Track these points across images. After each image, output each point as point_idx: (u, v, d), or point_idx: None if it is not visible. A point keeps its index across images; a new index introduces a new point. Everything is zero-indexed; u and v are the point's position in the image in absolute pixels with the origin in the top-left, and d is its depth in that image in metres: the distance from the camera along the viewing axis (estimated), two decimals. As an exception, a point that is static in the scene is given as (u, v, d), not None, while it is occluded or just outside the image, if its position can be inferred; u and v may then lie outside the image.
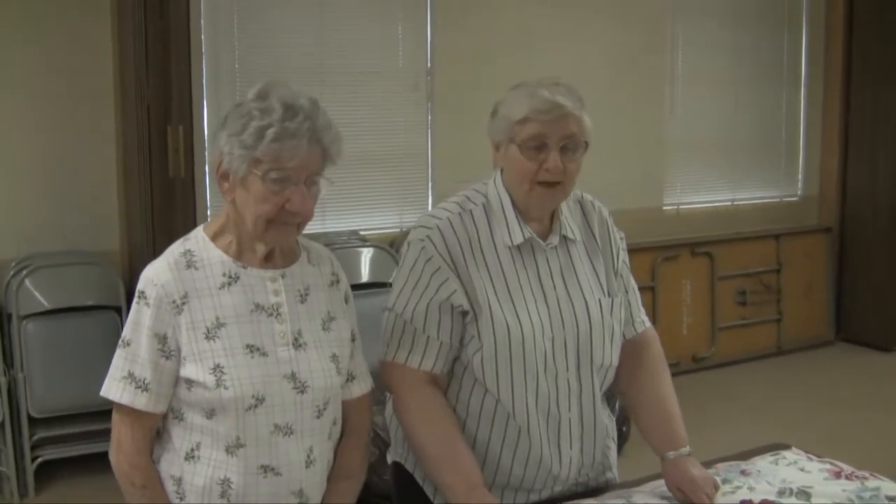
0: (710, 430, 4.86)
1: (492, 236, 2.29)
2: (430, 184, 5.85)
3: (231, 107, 2.07)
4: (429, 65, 5.73)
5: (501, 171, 2.34)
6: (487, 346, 2.22)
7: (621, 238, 2.48)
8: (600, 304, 2.34)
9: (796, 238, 7.26)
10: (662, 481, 2.45)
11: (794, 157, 7.54)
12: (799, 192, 7.60)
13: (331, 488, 2.21)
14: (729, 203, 7.16)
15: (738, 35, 7.02)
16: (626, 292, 2.45)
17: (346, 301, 2.25)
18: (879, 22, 7.09)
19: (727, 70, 6.98)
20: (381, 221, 5.73)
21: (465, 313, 2.25)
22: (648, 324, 2.54)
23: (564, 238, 2.35)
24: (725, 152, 7.05)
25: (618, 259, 2.44)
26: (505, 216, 2.30)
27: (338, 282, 2.24)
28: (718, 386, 6.33)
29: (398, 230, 5.69)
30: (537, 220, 2.32)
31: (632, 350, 2.45)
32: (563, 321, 2.28)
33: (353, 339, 2.24)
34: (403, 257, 2.32)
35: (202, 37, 4.95)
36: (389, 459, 2.51)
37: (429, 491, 2.38)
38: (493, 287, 2.25)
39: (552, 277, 2.31)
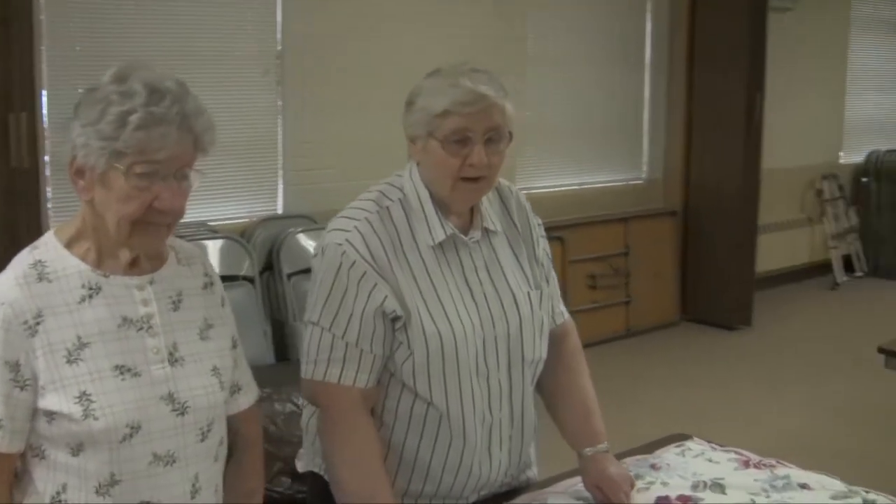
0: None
1: (413, 235, 2.16)
2: (280, 172, 5.66)
3: (83, 92, 1.80)
4: (279, 48, 5.53)
5: (417, 163, 2.19)
6: (419, 353, 2.10)
7: (539, 225, 2.38)
8: (529, 297, 2.25)
9: (643, 221, 7.35)
10: (577, 479, 2.39)
11: (639, 142, 7.64)
12: (644, 176, 7.71)
13: None
14: (577, 187, 7.19)
15: (587, 19, 7.06)
16: (548, 282, 2.35)
17: (223, 304, 2.04)
18: (723, 8, 7.21)
19: (576, 54, 7.01)
20: (230, 211, 5.51)
21: (396, 319, 2.12)
22: (567, 315, 2.46)
23: (486, 231, 2.24)
24: (573, 136, 7.07)
25: (538, 246, 2.35)
26: (424, 212, 2.16)
27: (212, 284, 2.02)
28: (650, 353, 6.34)
29: (248, 220, 5.48)
30: (457, 213, 2.20)
31: (551, 342, 2.36)
32: (492, 319, 2.18)
33: (234, 347, 2.04)
34: (320, 265, 2.14)
35: (42, 17, 4.62)
36: (301, 468, 2.36)
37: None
38: (420, 290, 2.12)
39: (477, 273, 2.20)
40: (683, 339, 7.17)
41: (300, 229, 5.46)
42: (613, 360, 6.61)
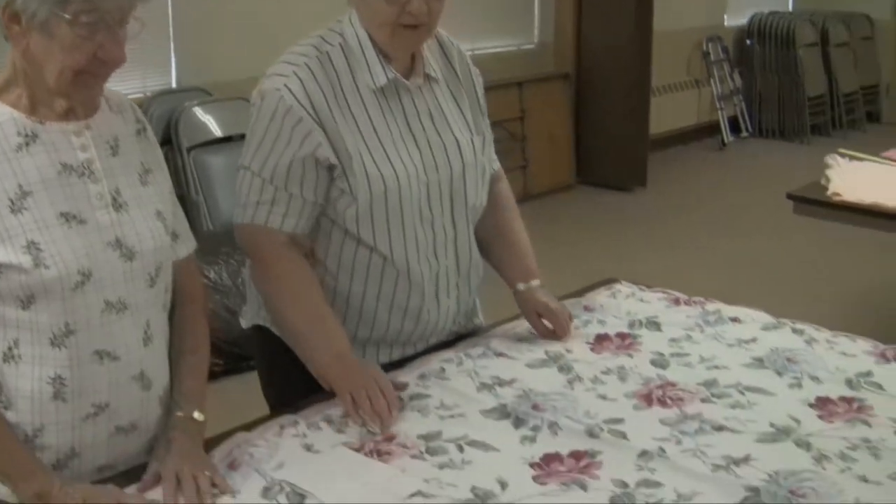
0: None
1: (354, 79, 2.12)
2: (171, 44, 5.51)
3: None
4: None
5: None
6: (362, 199, 2.08)
7: (478, 75, 2.36)
8: (472, 143, 2.23)
9: (537, 86, 7.36)
10: (521, 322, 2.41)
11: (530, 5, 7.59)
12: (536, 41, 7.68)
13: (178, 368, 1.98)
14: (470, 53, 7.10)
15: None
16: (488, 129, 2.35)
17: (157, 150, 2.00)
18: None
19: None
20: (123, 87, 5.32)
21: (331, 167, 2.08)
22: (498, 165, 2.46)
23: (428, 77, 2.21)
24: (463, 2, 6.97)
25: (480, 95, 2.33)
26: (365, 56, 2.12)
27: (145, 129, 1.97)
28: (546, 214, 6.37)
29: (142, 95, 5.34)
30: (398, 60, 2.16)
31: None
32: (436, 164, 2.16)
33: (171, 193, 2.00)
34: (257, 110, 2.10)
35: None
36: (246, 324, 2.35)
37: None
38: (362, 136, 2.09)
39: (420, 119, 2.17)
40: (581, 202, 7.26)
41: (196, 102, 5.36)
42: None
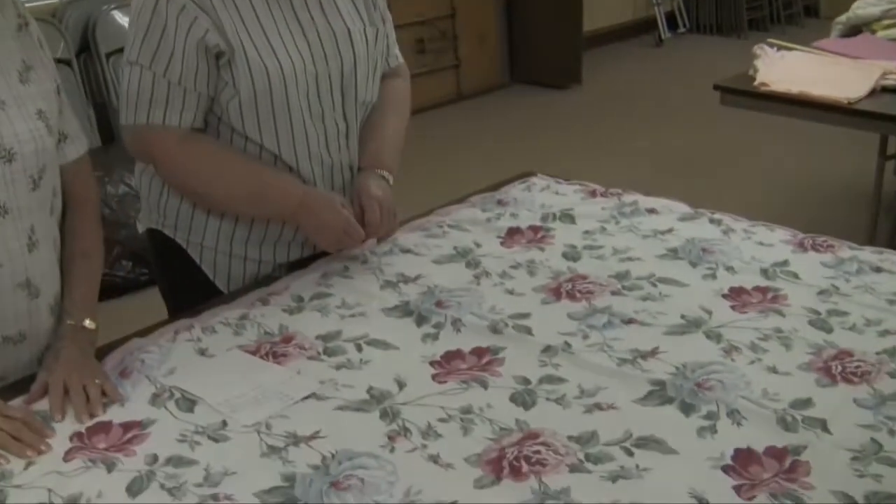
0: (403, 181, 4.81)
1: None
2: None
3: None
4: None
5: None
6: (245, 91, 1.96)
7: None
8: (364, 34, 2.10)
9: (467, -19, 7.17)
10: (428, 219, 2.33)
11: None
12: (467, -65, 7.47)
13: (69, 274, 1.89)
14: (398, -51, 6.93)
15: None
16: (384, 23, 2.22)
17: (42, 47, 1.87)
18: None
19: None
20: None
21: (219, 55, 1.95)
22: (402, 60, 2.34)
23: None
24: None
25: None
26: None
27: (27, 24, 1.84)
28: (426, 132, 6.26)
29: (57, 0, 5.13)
30: None
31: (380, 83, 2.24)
32: (325, 55, 2.04)
33: (58, 93, 1.88)
34: (139, 4, 1.96)
35: None
36: (142, 228, 2.24)
37: (194, 254, 2.14)
38: (244, 24, 1.96)
39: (308, 8, 2.04)
40: (515, 101, 7.15)
41: (114, 6, 5.16)
42: (446, 125, 6.57)
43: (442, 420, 1.59)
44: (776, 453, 1.48)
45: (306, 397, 1.68)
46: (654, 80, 7.49)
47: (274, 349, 1.83)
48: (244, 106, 1.97)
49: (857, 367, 1.71)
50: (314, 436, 1.57)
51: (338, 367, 1.76)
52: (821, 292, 1.98)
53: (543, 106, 6.98)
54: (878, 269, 2.08)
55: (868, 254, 2.15)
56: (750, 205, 4.03)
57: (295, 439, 1.57)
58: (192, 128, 2.00)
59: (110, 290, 4.07)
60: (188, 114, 1.98)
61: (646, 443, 1.51)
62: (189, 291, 2.13)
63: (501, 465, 1.48)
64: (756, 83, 3.60)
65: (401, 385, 1.69)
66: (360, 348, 1.82)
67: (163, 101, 1.96)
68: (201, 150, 2.02)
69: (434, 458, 1.50)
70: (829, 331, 1.83)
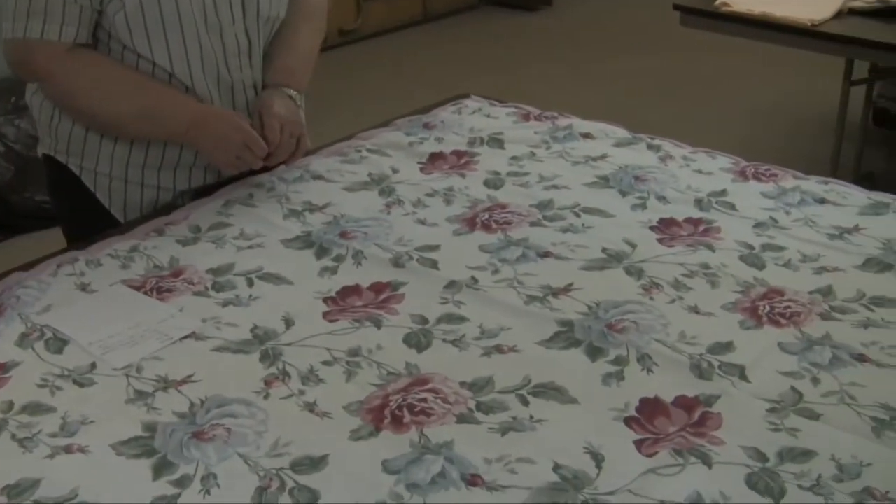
0: (365, 102, 4.64)
1: None
2: None
3: None
4: None
5: None
6: (130, 2, 1.79)
7: None
8: None
9: None
10: (346, 143, 2.17)
11: None
12: None
13: None
14: None
15: None
16: None
17: None
18: None
19: None
20: None
21: None
22: None
23: None
24: None
25: None
26: None
27: None
28: (368, 58, 6.08)
29: None
30: None
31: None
32: None
33: None
34: None
35: None
36: (40, 152, 2.07)
37: (88, 181, 1.98)
38: None
39: None
40: (483, 22, 6.94)
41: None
42: (412, 46, 6.38)
43: (326, 363, 1.45)
44: (686, 404, 1.35)
45: (185, 337, 1.53)
46: (624, 2, 7.27)
47: (160, 284, 1.68)
48: (130, 18, 1.81)
49: (786, 307, 1.57)
50: (186, 380, 1.43)
51: (224, 304, 1.62)
52: (757, 225, 1.84)
53: (511, 28, 6.78)
54: (822, 201, 1.93)
55: (813, 184, 2.01)
56: (709, 131, 3.87)
57: (165, 384, 1.43)
58: (75, 43, 1.83)
59: (26, 222, 3.90)
60: (70, 28, 1.81)
61: (544, 391, 1.38)
62: (86, 223, 1.98)
63: (383, 414, 1.34)
64: (717, 2, 3.43)
65: (288, 324, 1.55)
66: (250, 283, 1.67)
67: (41, 12, 1.79)
68: (83, 65, 1.85)
69: (310, 406, 1.36)
70: (761, 267, 1.69)
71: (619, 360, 1.44)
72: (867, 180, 3.46)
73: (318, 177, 2.03)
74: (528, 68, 5.87)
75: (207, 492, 1.21)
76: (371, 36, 6.46)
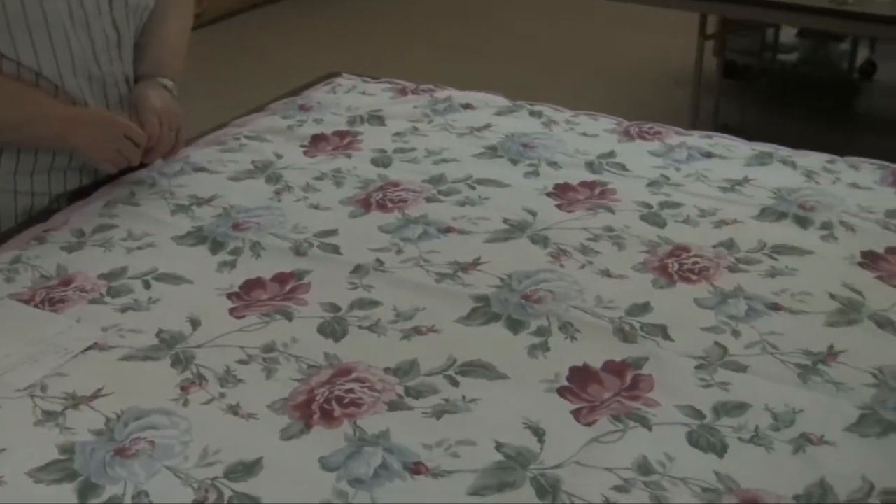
0: (228, 88, 4.54)
1: None
2: None
3: None
4: None
5: None
6: None
7: None
8: None
9: None
10: (222, 132, 2.10)
11: None
12: None
13: None
14: None
15: None
16: None
17: None
18: None
19: None
20: None
21: None
22: None
23: None
24: None
25: None
26: None
27: None
28: (222, 43, 5.95)
29: None
30: None
31: None
32: None
33: None
34: None
35: None
36: None
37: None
38: None
39: None
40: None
41: None
42: (269, 26, 6.26)
43: (242, 362, 1.39)
44: (616, 368, 1.34)
45: (87, 349, 1.45)
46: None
47: (51, 295, 1.59)
48: None
49: (694, 263, 1.58)
50: (96, 395, 1.36)
51: (123, 310, 1.54)
52: (651, 184, 1.84)
53: (369, 4, 6.70)
54: (709, 155, 1.96)
55: (697, 139, 2.03)
56: (571, 94, 3.90)
57: (74, 400, 1.35)
58: None
59: None
60: None
61: (472, 369, 1.35)
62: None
63: (311, 409, 1.29)
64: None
65: (194, 324, 1.49)
66: (147, 285, 1.60)
67: None
68: None
69: (233, 409, 1.30)
70: (663, 225, 1.70)
71: (541, 331, 1.42)
72: (724, 132, 3.52)
73: (199, 169, 1.96)
74: (387, 44, 5.82)
75: (142, 510, 1.15)
76: (218, 19, 6.32)
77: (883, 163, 1.96)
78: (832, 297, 1.51)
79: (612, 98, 4.47)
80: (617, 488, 1.15)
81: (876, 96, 4.65)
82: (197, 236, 1.73)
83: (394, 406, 1.29)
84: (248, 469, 1.20)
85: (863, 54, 4.59)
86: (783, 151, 1.99)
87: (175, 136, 1.89)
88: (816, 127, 4.17)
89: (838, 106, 4.43)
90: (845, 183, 1.87)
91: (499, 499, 1.14)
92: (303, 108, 2.22)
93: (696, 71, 3.93)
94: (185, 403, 1.32)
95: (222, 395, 1.33)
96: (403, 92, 2.29)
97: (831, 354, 1.37)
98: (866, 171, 1.93)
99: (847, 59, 4.37)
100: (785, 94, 4.60)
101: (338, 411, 1.28)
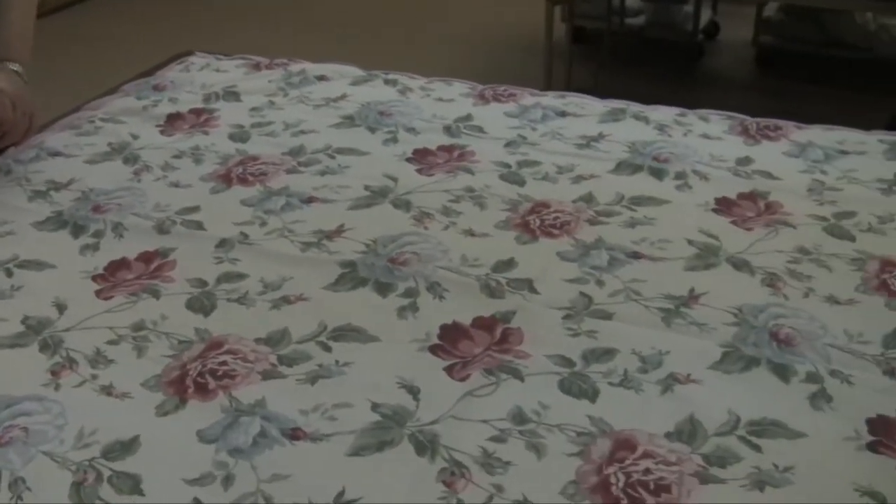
0: (81, 75, 4.44)
1: None
2: None
3: None
4: None
5: None
6: None
7: None
8: None
9: None
10: (77, 115, 2.06)
11: None
12: None
13: None
14: None
15: None
16: None
17: None
18: None
19: None
20: None
21: None
22: None
23: None
24: None
25: None
26: None
27: None
28: (74, 30, 5.81)
29: None
30: None
31: None
32: None
33: None
34: None
35: None
36: None
37: None
38: None
39: None
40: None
41: None
42: (104, 16, 6.13)
43: (112, 343, 1.38)
44: (485, 324, 1.37)
45: (-50, 344, 1.42)
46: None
47: None
48: None
49: (555, 218, 1.62)
50: (-38, 385, 1.33)
51: (-14, 300, 1.51)
52: (508, 144, 1.87)
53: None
54: (564, 114, 2.00)
55: (551, 99, 2.07)
56: (424, 63, 3.91)
57: (-58, 392, 1.32)
58: None
59: None
60: None
61: (343, 334, 1.36)
62: None
63: (185, 384, 1.29)
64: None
65: (61, 309, 1.46)
66: (9, 273, 1.57)
67: None
68: None
69: (107, 390, 1.29)
70: (522, 184, 1.73)
71: (409, 293, 1.44)
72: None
73: (55, 153, 1.93)
74: (239, 25, 5.75)
75: (19, 497, 1.14)
76: (65, 6, 6.17)
77: (731, 114, 2.02)
78: (690, 242, 1.56)
79: (464, 66, 4.50)
80: (494, 439, 1.17)
81: (720, 55, 4.78)
82: (57, 221, 1.70)
83: (268, 375, 1.29)
84: (125, 448, 1.19)
85: (706, 15, 4.71)
86: (635, 107, 2.04)
87: (28, 122, 1.85)
88: (666, 86, 4.27)
89: (685, 66, 4.54)
90: (696, 134, 1.93)
91: (378, 458, 1.15)
92: (157, 87, 2.20)
93: (547, 37, 3.99)
94: (57, 388, 1.30)
95: (94, 377, 1.31)
96: (257, 67, 2.28)
97: (693, 297, 1.42)
98: (715, 122, 1.99)
99: (691, 20, 4.48)
100: (634, 56, 4.70)
101: (212, 384, 1.28)
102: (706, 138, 1.91)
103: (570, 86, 4.10)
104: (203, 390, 1.27)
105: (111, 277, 1.53)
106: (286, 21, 5.73)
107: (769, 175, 1.78)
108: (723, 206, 1.67)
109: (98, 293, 1.49)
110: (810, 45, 4.37)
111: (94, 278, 1.53)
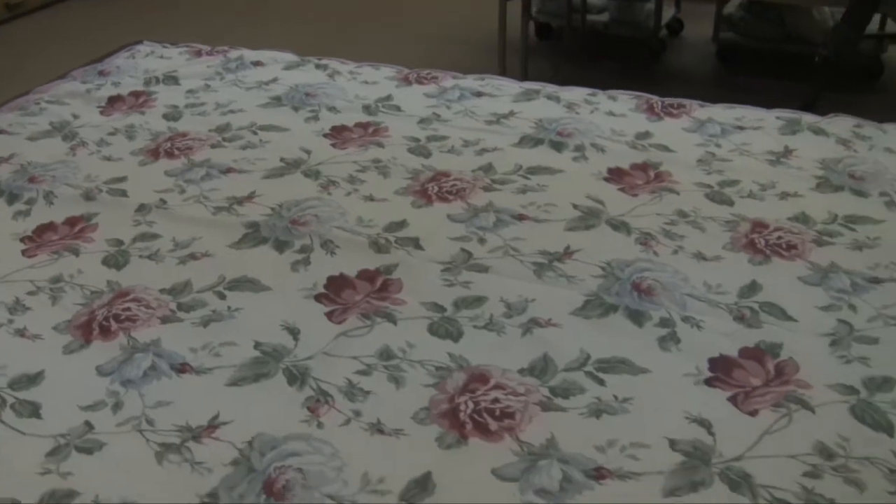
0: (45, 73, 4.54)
1: None
2: None
3: None
4: None
5: None
6: None
7: None
8: None
9: None
10: (26, 98, 2.20)
11: None
12: None
13: None
14: None
15: None
16: None
17: None
18: None
19: None
20: None
21: None
22: None
23: None
24: None
25: None
26: None
27: None
28: (44, 31, 5.92)
29: None
30: None
31: None
32: None
33: None
34: None
35: None
36: None
37: None
38: None
39: None
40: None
41: None
42: (83, 16, 6.23)
43: (31, 293, 1.51)
44: (368, 276, 1.50)
45: None
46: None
47: None
48: None
49: (452, 185, 1.74)
50: None
51: (-82, 257, 1.64)
52: (421, 121, 2.00)
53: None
54: (479, 94, 2.12)
55: (470, 81, 2.19)
56: (383, 58, 4.02)
57: None
58: None
59: None
60: None
61: (239, 284, 1.49)
62: None
63: (91, 327, 1.42)
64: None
65: (-13, 268, 1.60)
66: (-58, 235, 1.70)
67: None
68: None
69: (21, 332, 1.42)
70: (428, 156, 1.86)
71: (304, 249, 1.57)
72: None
73: (1, 131, 2.05)
74: (193, 17, 5.83)
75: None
76: (43, 6, 6.27)
77: (639, 93, 2.14)
78: (575, 206, 1.68)
79: (424, 63, 4.60)
80: (360, 372, 1.30)
81: (682, 51, 4.89)
82: (-7, 191, 1.83)
83: (166, 319, 1.42)
84: (31, 380, 1.32)
85: (670, 13, 4.83)
86: (550, 88, 2.16)
87: None
88: (627, 82, 4.37)
89: (647, 62, 4.65)
90: (602, 112, 2.05)
91: (253, 388, 1.28)
92: (102, 73, 2.33)
93: (501, 32, 4.10)
94: (-26, 331, 1.43)
95: (10, 322, 1.44)
96: (199, 54, 2.41)
97: (567, 253, 1.54)
98: (623, 101, 2.11)
99: (653, 18, 4.58)
100: (597, 53, 4.81)
101: (114, 326, 1.41)
102: (611, 115, 2.03)
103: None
104: (106, 332, 1.40)
105: (38, 238, 1.66)
106: (255, 14, 5.83)
107: (665, 148, 1.89)
108: (614, 175, 1.79)
109: (24, 252, 1.63)
110: (770, 41, 4.48)
111: (23, 239, 1.66)
